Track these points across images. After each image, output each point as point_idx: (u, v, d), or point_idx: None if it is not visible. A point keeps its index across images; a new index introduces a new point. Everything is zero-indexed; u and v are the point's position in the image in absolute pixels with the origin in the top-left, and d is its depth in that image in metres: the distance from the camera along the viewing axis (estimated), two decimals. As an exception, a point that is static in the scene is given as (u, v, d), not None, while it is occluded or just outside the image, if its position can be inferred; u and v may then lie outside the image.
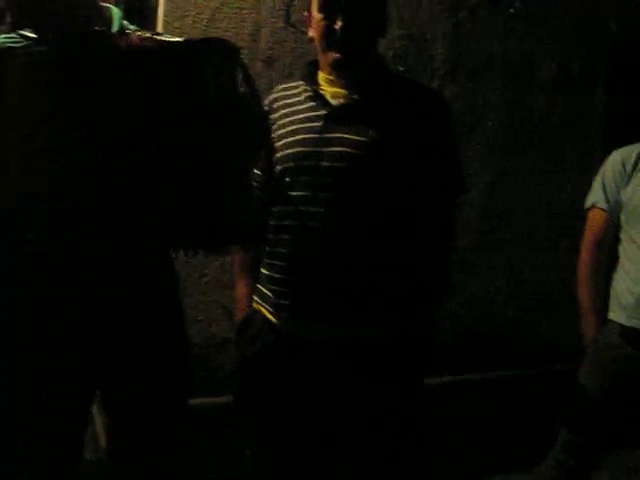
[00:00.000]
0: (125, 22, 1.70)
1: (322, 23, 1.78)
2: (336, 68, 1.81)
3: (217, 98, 1.53)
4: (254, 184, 1.89)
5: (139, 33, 1.69)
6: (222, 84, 1.54)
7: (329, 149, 1.74)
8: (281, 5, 2.87)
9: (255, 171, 1.91)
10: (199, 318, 2.76)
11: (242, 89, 1.59)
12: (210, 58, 1.54)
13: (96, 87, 1.53)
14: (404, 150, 1.75)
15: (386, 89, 1.82)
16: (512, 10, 3.30)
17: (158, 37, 1.69)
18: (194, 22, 2.74)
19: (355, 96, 1.78)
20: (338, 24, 1.75)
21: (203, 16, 2.76)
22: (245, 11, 2.82)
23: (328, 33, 1.77)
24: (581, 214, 2.52)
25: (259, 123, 1.66)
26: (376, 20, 1.83)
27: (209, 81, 1.52)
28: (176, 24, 2.71)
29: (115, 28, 1.64)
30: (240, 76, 1.59)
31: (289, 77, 2.83)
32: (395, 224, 1.77)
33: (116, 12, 1.68)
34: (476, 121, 3.23)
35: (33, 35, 1.61)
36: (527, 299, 3.40)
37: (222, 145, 1.55)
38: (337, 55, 1.78)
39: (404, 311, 1.78)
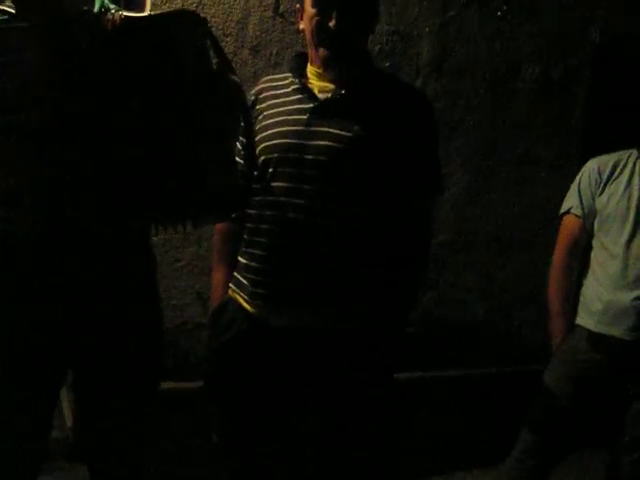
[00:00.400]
0: (107, 2, 1.70)
1: (315, 18, 1.78)
2: (327, 64, 1.81)
3: (188, 69, 1.54)
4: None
5: (120, 13, 1.70)
6: (191, 55, 1.55)
7: (314, 142, 1.75)
8: (270, -6, 2.88)
9: (238, 160, 1.92)
10: (172, 303, 2.77)
11: (215, 61, 1.59)
12: (178, 29, 1.54)
13: (75, 65, 1.52)
14: (386, 147, 1.77)
15: (372, 86, 1.84)
16: (499, 13, 3.33)
17: (136, 15, 1.71)
18: (182, 7, 2.74)
19: (342, 91, 1.79)
20: (332, 22, 1.75)
21: (191, 1, 2.76)
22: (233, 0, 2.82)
23: (320, 29, 1.78)
24: (555, 217, 2.56)
25: (235, 93, 1.64)
26: (368, 18, 1.84)
27: (179, 52, 1.53)
28: (164, 9, 2.70)
29: (96, 8, 1.64)
30: (209, 46, 1.58)
31: (275, 66, 2.85)
32: (374, 219, 1.79)
33: None
34: (458, 120, 3.27)
35: (11, 10, 1.61)
36: (498, 298, 3.45)
37: (199, 114, 1.55)
38: (328, 52, 1.79)
39: (379, 304, 1.80)
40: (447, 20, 3.22)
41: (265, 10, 2.87)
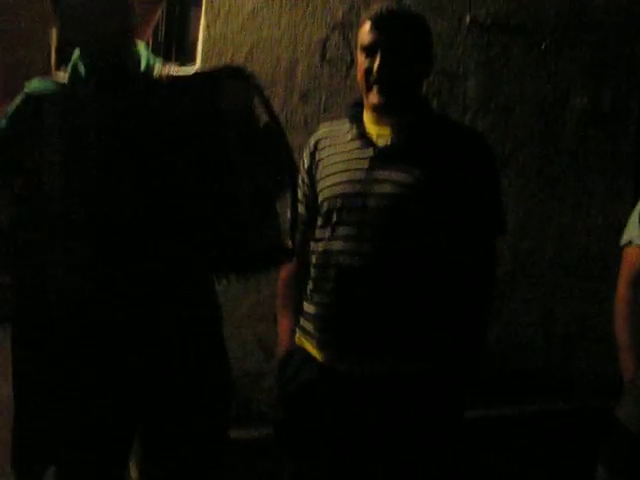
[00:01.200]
0: (152, 58, 1.75)
1: (363, 64, 1.82)
2: (378, 109, 1.83)
3: (235, 127, 1.55)
4: (300, 223, 1.92)
5: (167, 69, 1.74)
6: (238, 112, 1.56)
7: (375, 189, 1.77)
8: (316, 42, 2.93)
9: (300, 210, 1.94)
10: (233, 351, 2.77)
11: (263, 117, 1.60)
12: (225, 85, 1.55)
13: (127, 125, 1.56)
14: (448, 191, 1.78)
15: (430, 130, 1.85)
16: (544, 45, 3.33)
17: (183, 71, 1.75)
18: (232, 59, 2.80)
19: (400, 137, 1.80)
20: (375, 64, 1.78)
21: (240, 53, 2.82)
22: (281, 48, 2.88)
23: (368, 73, 1.81)
24: (613, 248, 2.52)
25: (281, 153, 1.64)
26: (417, 61, 1.84)
27: (225, 109, 1.54)
28: (214, 61, 2.77)
29: (143, 65, 1.69)
30: (257, 100, 1.59)
31: (325, 112, 2.89)
32: (438, 262, 1.80)
33: (144, 49, 1.72)
34: (508, 155, 3.26)
35: (64, 81, 1.67)
36: (561, 332, 3.39)
37: (243, 169, 1.56)
38: (377, 96, 1.81)
39: (448, 345, 1.80)
40: (492, 56, 3.24)
41: (312, 57, 2.92)
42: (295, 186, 1.67)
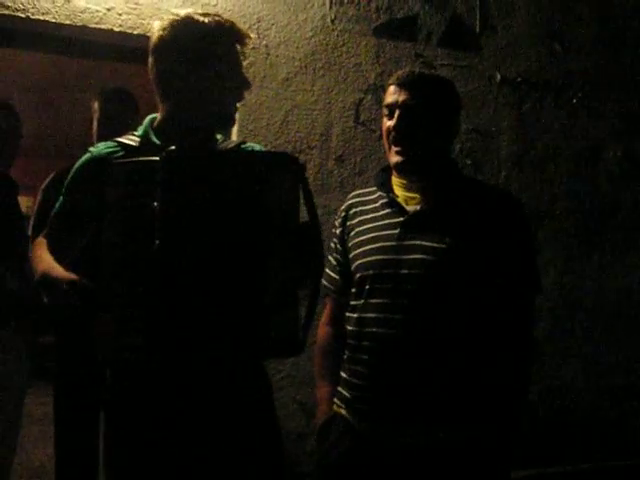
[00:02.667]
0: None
1: (385, 124, 1.85)
2: (399, 171, 1.85)
3: (278, 213, 1.53)
4: (332, 289, 1.95)
5: (225, 141, 1.81)
6: (281, 203, 1.54)
7: (408, 256, 1.77)
8: (350, 105, 2.99)
9: (334, 276, 1.96)
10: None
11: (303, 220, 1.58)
12: (273, 173, 1.54)
13: (190, 192, 1.54)
14: (480, 255, 1.77)
15: (459, 193, 1.85)
16: (575, 100, 3.35)
17: (240, 145, 1.81)
18: (268, 124, 2.87)
19: (429, 202, 1.81)
20: (392, 123, 1.81)
21: (276, 119, 2.89)
22: (316, 112, 2.94)
23: (388, 133, 1.84)
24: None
25: (315, 249, 1.61)
26: (436, 123, 1.83)
27: (270, 197, 1.52)
28: (250, 126, 2.85)
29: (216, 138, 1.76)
30: (303, 195, 1.58)
31: (360, 174, 2.93)
32: (473, 327, 1.78)
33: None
34: (545, 211, 3.26)
35: (133, 143, 1.73)
36: (605, 388, 3.34)
37: (275, 258, 1.53)
38: (395, 156, 1.83)
39: (487, 413, 1.77)
40: (524, 113, 3.26)
41: (347, 120, 2.98)
42: (318, 290, 1.63)
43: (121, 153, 1.71)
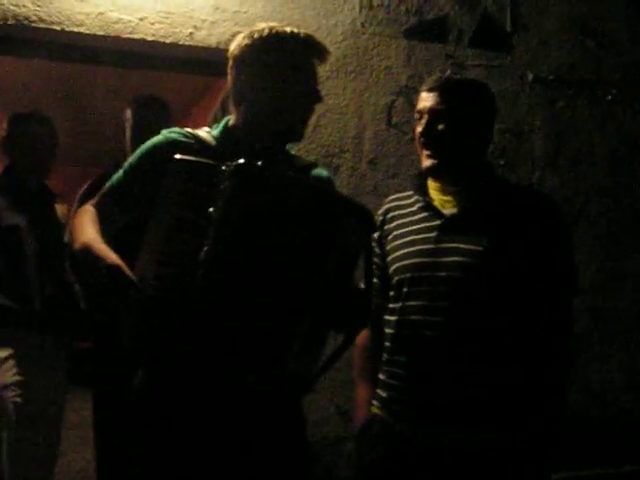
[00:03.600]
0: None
1: (417, 128, 1.86)
2: (431, 175, 1.86)
3: (333, 260, 1.50)
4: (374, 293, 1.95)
5: (295, 157, 1.84)
6: (344, 250, 1.52)
7: (445, 259, 1.78)
8: (382, 108, 2.99)
9: (374, 280, 1.97)
10: (313, 418, 2.79)
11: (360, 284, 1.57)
12: (345, 223, 1.51)
13: (254, 213, 1.50)
14: (518, 256, 1.77)
15: (495, 196, 1.85)
16: (609, 97, 3.32)
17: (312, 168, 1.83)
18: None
19: (466, 205, 1.82)
20: (422, 128, 1.83)
21: (308, 122, 2.88)
22: (348, 115, 2.95)
23: (419, 137, 1.85)
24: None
25: (364, 314, 1.60)
26: (467, 127, 1.83)
27: (334, 241, 1.50)
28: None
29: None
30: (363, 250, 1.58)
31: (393, 177, 2.93)
32: (512, 328, 1.78)
33: None
34: (580, 210, 3.23)
35: (210, 140, 1.73)
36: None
37: (319, 297, 1.50)
38: (426, 159, 1.84)
39: (527, 414, 1.76)
40: (557, 112, 3.24)
41: (379, 124, 2.98)
42: (352, 342, 1.63)
43: (195, 146, 1.70)
